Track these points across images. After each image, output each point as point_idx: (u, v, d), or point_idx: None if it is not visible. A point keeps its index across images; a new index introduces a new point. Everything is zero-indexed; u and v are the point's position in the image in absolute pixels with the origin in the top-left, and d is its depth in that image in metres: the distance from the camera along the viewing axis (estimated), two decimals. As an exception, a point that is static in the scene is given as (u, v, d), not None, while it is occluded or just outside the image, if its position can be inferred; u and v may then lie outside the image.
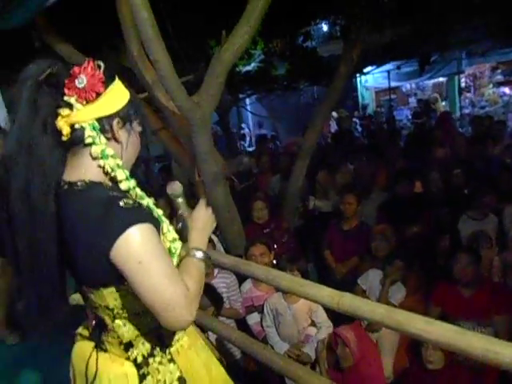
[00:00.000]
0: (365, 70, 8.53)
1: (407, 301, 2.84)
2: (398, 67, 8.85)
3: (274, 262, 2.86)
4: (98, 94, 0.96)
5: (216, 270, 2.78)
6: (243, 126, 13.06)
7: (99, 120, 0.97)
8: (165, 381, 1.07)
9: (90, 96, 0.95)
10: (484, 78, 10.45)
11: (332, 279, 3.37)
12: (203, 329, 2.01)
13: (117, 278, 0.93)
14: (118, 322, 1.06)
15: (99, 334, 1.11)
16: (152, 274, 0.89)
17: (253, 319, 2.82)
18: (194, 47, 4.78)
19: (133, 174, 1.06)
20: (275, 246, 3.05)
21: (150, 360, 1.08)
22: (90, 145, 0.96)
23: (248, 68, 7.36)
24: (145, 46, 2.23)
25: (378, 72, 9.76)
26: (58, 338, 2.61)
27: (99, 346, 1.12)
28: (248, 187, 4.51)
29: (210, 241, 1.14)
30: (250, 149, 10.75)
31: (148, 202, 1.06)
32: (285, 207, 4.06)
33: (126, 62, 3.24)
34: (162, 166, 5.43)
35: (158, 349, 1.09)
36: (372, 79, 10.60)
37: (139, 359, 1.08)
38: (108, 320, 1.06)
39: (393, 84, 10.18)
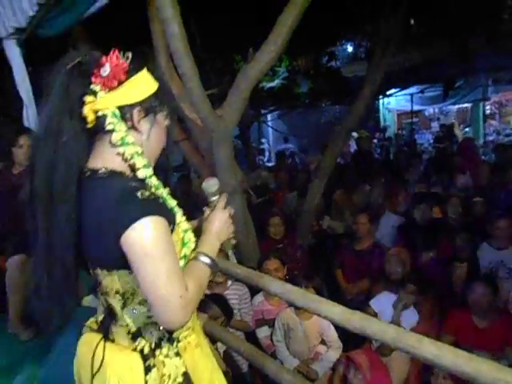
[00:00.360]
0: (388, 92, 8.54)
1: (420, 326, 2.78)
2: (422, 91, 8.83)
3: (286, 277, 2.87)
4: (120, 82, 0.98)
5: (229, 282, 2.80)
6: (263, 141, 13.17)
7: (121, 108, 0.99)
8: (170, 375, 1.05)
9: (112, 84, 0.97)
10: (510, 105, 10.32)
11: (342, 299, 3.33)
12: (213, 339, 2.02)
13: (128, 263, 0.94)
14: (126, 309, 1.05)
15: (108, 324, 1.10)
16: (154, 267, 0.90)
17: (263, 333, 2.81)
18: (221, 60, 4.90)
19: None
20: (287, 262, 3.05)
21: (157, 352, 1.06)
22: (110, 132, 0.98)
23: (272, 84, 7.48)
24: (174, 58, 2.31)
25: (401, 95, 9.75)
26: (71, 337, 2.68)
27: (107, 337, 1.10)
28: (264, 202, 4.54)
29: (221, 250, 1.11)
30: (269, 164, 10.81)
31: (163, 192, 1.06)
32: (300, 224, 4.07)
33: (153, 71, 3.34)
34: (181, 176, 5.52)
35: (165, 340, 1.07)
36: (395, 101, 10.59)
37: (146, 350, 1.05)
38: (117, 307, 1.05)
39: (415, 107, 10.14)
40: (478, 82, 8.45)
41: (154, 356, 1.05)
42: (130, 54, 1.00)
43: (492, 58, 5.67)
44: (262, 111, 9.12)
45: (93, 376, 1.07)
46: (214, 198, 1.19)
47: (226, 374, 1.33)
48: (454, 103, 9.67)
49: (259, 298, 2.89)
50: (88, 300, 3.16)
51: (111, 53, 0.98)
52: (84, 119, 0.98)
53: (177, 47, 2.16)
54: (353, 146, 10.22)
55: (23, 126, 3.76)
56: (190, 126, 3.04)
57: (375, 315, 2.98)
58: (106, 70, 0.96)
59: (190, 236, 1.12)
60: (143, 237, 0.89)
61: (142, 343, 1.06)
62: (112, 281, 1.01)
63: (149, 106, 1.02)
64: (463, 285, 2.92)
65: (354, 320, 1.11)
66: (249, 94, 2.53)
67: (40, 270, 1.01)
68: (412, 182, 4.92)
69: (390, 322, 2.85)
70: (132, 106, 1.00)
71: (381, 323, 1.06)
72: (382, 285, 3.20)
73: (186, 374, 1.08)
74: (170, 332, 1.07)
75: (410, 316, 2.81)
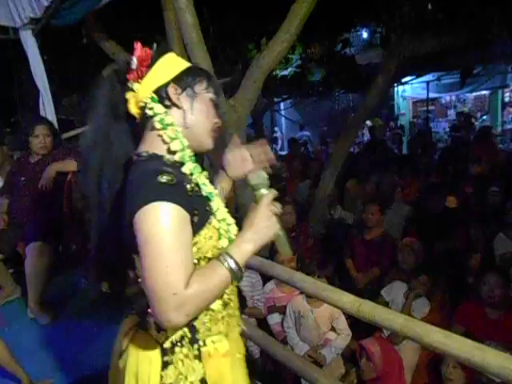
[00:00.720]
0: (403, 80, 8.39)
1: (431, 317, 2.79)
2: (438, 78, 8.64)
3: (298, 265, 2.90)
4: (148, 68, 1.00)
5: (242, 269, 2.84)
6: (276, 129, 13.12)
7: (156, 91, 1.00)
8: (186, 377, 1.00)
9: (141, 72, 1.00)
10: (529, 93, 10.04)
11: (353, 288, 3.35)
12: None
13: None
14: None
15: (145, 311, 1.05)
16: (152, 256, 0.85)
17: (274, 319, 2.86)
18: (233, 50, 4.88)
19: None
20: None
21: (177, 349, 1.01)
22: (151, 117, 1.00)
23: (285, 72, 7.41)
24: (187, 48, 2.31)
25: (416, 82, 9.57)
26: (87, 321, 2.76)
27: (142, 322, 1.08)
28: (277, 191, 4.55)
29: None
30: (282, 152, 10.78)
31: (198, 177, 1.02)
32: (312, 213, 4.07)
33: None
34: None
35: (186, 340, 1.01)
36: (410, 89, 10.39)
37: (167, 344, 1.01)
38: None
39: (431, 95, 9.93)
40: (497, 68, 8.22)
41: (173, 353, 1.01)
42: (155, 44, 1.03)
43: (511, 44, 5.50)
44: (275, 99, 9.06)
45: (119, 357, 1.09)
46: (262, 192, 1.05)
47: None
48: (472, 91, 9.44)
49: (271, 285, 2.93)
50: (106, 286, 3.25)
51: (135, 45, 1.01)
52: (131, 117, 1.02)
53: (190, 37, 2.17)
54: (366, 135, 10.13)
55: (39, 116, 3.84)
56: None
57: (386, 304, 3.00)
58: (133, 63, 0.99)
59: (229, 228, 1.03)
60: (148, 221, 0.85)
61: (164, 337, 1.02)
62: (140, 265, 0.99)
63: (182, 81, 1.02)
64: (476, 275, 2.90)
65: (364, 309, 1.13)
66: (261, 84, 2.53)
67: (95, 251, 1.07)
68: (426, 172, 4.86)
69: (400, 311, 2.87)
70: (165, 84, 1.00)
71: (390, 312, 1.08)
72: (394, 274, 3.21)
73: (203, 381, 1.01)
74: (193, 334, 1.01)
75: (422, 306, 2.82)
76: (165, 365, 1.00)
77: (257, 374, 2.31)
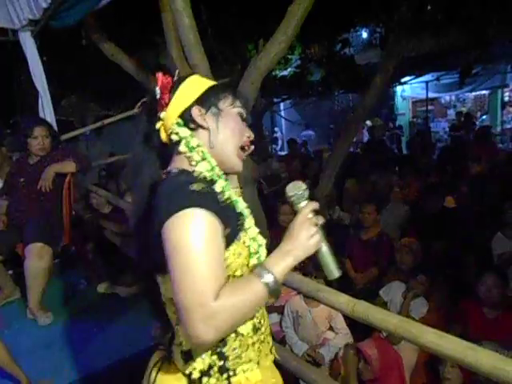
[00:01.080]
0: (402, 80, 8.40)
1: (429, 316, 2.80)
2: (438, 78, 8.65)
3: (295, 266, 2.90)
4: (171, 95, 1.00)
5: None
6: (276, 129, 13.13)
7: (181, 116, 1.00)
8: None
9: (165, 100, 1.00)
10: (529, 92, 10.04)
11: (351, 288, 3.36)
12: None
13: None
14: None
15: (171, 342, 1.03)
16: (180, 264, 0.80)
17: (272, 319, 2.87)
18: (232, 50, 4.89)
19: None
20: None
21: (204, 379, 0.95)
22: (178, 142, 0.99)
23: (284, 73, 7.42)
24: (185, 50, 2.32)
25: (416, 82, 9.58)
26: (86, 322, 2.77)
27: (168, 355, 1.04)
28: (276, 191, 4.57)
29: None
30: (282, 152, 10.80)
31: (231, 194, 0.96)
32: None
33: (164, 61, 3.36)
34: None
35: (215, 369, 0.95)
36: (410, 89, 10.41)
37: (195, 374, 0.95)
38: (173, 321, 0.99)
39: (431, 95, 9.95)
40: (496, 68, 8.24)
41: (200, 383, 0.95)
42: (176, 72, 1.05)
43: (510, 44, 5.52)
44: (275, 100, 9.07)
45: None
46: (302, 205, 0.98)
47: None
48: (472, 90, 9.45)
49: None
50: (103, 287, 3.28)
51: (157, 76, 1.02)
52: (161, 146, 1.04)
53: (187, 39, 2.17)
54: (366, 135, 10.13)
55: (38, 117, 3.85)
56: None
57: (385, 304, 3.01)
58: (157, 93, 1.01)
59: (261, 250, 0.99)
60: (179, 228, 0.81)
61: (191, 367, 0.96)
62: (166, 289, 0.94)
63: (206, 101, 1.01)
64: (474, 275, 2.91)
65: (358, 309, 1.14)
66: (259, 85, 2.53)
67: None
68: (425, 171, 4.87)
69: (399, 311, 2.88)
70: (189, 107, 1.00)
71: (384, 312, 1.08)
72: (392, 274, 3.21)
73: None
74: (223, 363, 0.95)
75: (420, 306, 2.83)
76: None
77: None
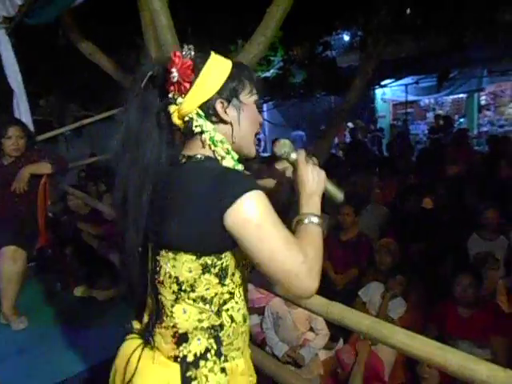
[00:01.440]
0: (382, 83, 8.53)
1: (407, 316, 2.84)
2: (417, 82, 8.80)
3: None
4: (192, 83, 0.96)
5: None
6: (258, 131, 13.10)
7: (202, 106, 0.97)
8: None
9: (184, 87, 0.96)
10: (505, 96, 10.31)
11: (331, 289, 3.38)
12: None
13: (215, 243, 0.92)
14: (178, 306, 0.97)
15: (153, 325, 1.03)
16: (269, 239, 0.87)
17: (252, 321, 2.86)
18: (212, 51, 4.86)
19: None
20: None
21: (201, 363, 0.96)
22: (199, 133, 0.98)
23: (266, 74, 7.43)
24: (163, 50, 2.30)
25: (395, 85, 9.74)
26: (62, 327, 2.72)
27: (148, 341, 1.04)
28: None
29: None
30: (265, 154, 10.80)
31: None
32: (291, 216, 4.09)
33: (145, 61, 3.32)
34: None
35: (212, 352, 0.98)
36: (390, 92, 10.57)
37: (190, 358, 0.97)
38: (169, 301, 0.99)
39: (411, 98, 10.13)
40: (473, 72, 8.43)
41: (197, 367, 0.96)
42: (191, 47, 0.97)
43: (487, 48, 5.66)
44: (257, 101, 9.06)
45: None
46: (292, 157, 1.10)
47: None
48: (449, 94, 9.64)
49: (249, 287, 2.93)
50: (80, 290, 3.22)
51: (173, 55, 0.97)
52: (168, 127, 1.01)
53: (165, 38, 2.16)
54: (348, 137, 10.24)
55: (13, 117, 3.76)
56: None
57: (364, 305, 3.04)
58: (174, 76, 0.95)
59: None
60: (253, 209, 0.87)
61: (186, 349, 0.97)
62: (174, 266, 0.95)
63: (228, 93, 0.99)
64: (451, 275, 2.96)
65: (333, 311, 1.14)
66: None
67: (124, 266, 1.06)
68: (403, 173, 4.95)
69: (377, 311, 2.91)
70: (211, 99, 0.97)
71: (357, 314, 1.09)
72: (371, 275, 3.25)
73: None
74: (219, 346, 0.98)
75: (398, 306, 2.87)
76: (187, 381, 0.96)
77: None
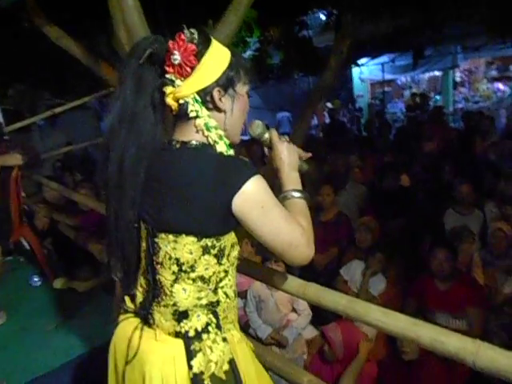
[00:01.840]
0: (359, 62, 8.50)
1: (387, 292, 2.90)
2: (393, 60, 8.82)
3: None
4: (193, 68, 0.97)
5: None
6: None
7: (200, 92, 0.99)
8: (216, 362, 1.00)
9: (186, 72, 0.97)
10: (479, 73, 10.45)
11: (314, 269, 3.42)
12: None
13: (218, 226, 0.97)
14: (178, 286, 1.01)
15: (150, 304, 1.06)
16: (273, 217, 0.95)
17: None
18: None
19: None
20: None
21: (204, 336, 1.02)
22: (194, 118, 1.00)
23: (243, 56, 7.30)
24: (130, 32, 2.22)
25: (372, 64, 9.73)
26: (41, 322, 2.68)
27: (146, 319, 1.07)
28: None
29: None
30: (245, 137, 10.70)
31: None
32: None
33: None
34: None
35: (213, 325, 1.04)
36: (367, 71, 10.57)
37: (191, 333, 1.02)
38: (168, 281, 1.02)
39: (388, 77, 10.15)
40: (447, 49, 8.49)
41: (200, 340, 1.02)
42: (194, 32, 0.97)
43: (460, 25, 5.68)
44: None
45: (126, 364, 1.05)
46: (266, 136, 1.17)
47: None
48: (425, 71, 9.72)
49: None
50: (59, 283, 3.16)
51: (177, 37, 0.96)
52: (166, 107, 1.02)
53: (131, 20, 2.07)
54: (328, 118, 10.24)
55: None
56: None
57: (345, 283, 3.09)
58: (176, 58, 0.96)
59: None
60: (258, 193, 0.94)
61: (187, 326, 1.02)
62: (175, 248, 0.99)
63: (225, 82, 1.01)
64: (428, 250, 3.03)
65: (310, 292, 1.15)
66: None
67: (113, 249, 1.08)
68: (382, 152, 4.99)
69: (358, 288, 2.96)
70: (209, 87, 0.99)
71: (334, 293, 1.10)
72: (352, 253, 3.30)
73: (232, 362, 1.04)
74: (217, 320, 1.05)
75: (378, 283, 2.92)
76: (192, 354, 1.00)
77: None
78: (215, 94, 1.00)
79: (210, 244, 0.98)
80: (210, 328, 1.03)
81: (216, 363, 1.00)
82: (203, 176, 0.94)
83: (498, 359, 0.78)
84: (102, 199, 3.00)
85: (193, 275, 1.00)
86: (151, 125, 1.00)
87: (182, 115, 1.01)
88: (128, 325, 1.09)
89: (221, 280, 1.04)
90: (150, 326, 1.06)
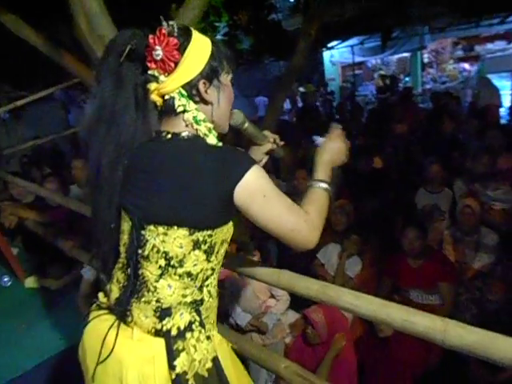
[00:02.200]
0: (329, 45, 8.50)
1: (363, 273, 2.96)
2: (362, 42, 8.85)
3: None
4: (177, 63, 0.95)
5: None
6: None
7: (185, 86, 0.98)
8: (200, 360, 0.98)
9: (169, 67, 0.95)
10: (446, 53, 10.63)
11: (291, 254, 3.44)
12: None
13: (212, 217, 0.96)
14: (163, 282, 0.99)
15: (128, 301, 1.02)
16: (275, 205, 0.97)
17: (214, 293, 2.87)
18: (152, 19, 4.60)
19: None
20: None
21: (188, 334, 0.99)
22: (182, 112, 0.99)
23: (212, 41, 7.16)
24: (90, 20, 2.12)
25: (343, 47, 9.76)
26: (13, 322, 2.60)
27: (122, 317, 1.03)
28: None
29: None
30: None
31: None
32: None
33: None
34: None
35: (196, 323, 1.01)
36: (338, 54, 10.59)
37: (174, 331, 0.98)
38: (153, 276, 0.99)
39: (358, 59, 10.21)
40: (414, 30, 8.57)
41: (183, 339, 0.98)
42: (173, 24, 0.95)
43: (427, 6, 5.73)
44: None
45: (96, 365, 1.00)
46: (246, 125, 1.21)
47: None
48: (393, 53, 9.81)
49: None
50: (30, 282, 3.07)
51: (157, 32, 0.93)
52: (150, 104, 1.00)
53: (90, 7, 1.99)
54: (300, 102, 10.22)
55: None
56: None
57: (322, 266, 3.13)
58: (158, 54, 0.94)
59: None
60: (259, 182, 0.95)
61: (169, 324, 0.99)
62: (164, 241, 0.97)
63: (210, 73, 1.00)
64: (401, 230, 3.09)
65: (282, 279, 1.14)
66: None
67: (97, 247, 1.09)
68: (354, 134, 5.03)
69: (335, 271, 3.01)
70: (194, 79, 0.98)
71: (306, 279, 1.10)
72: (328, 236, 3.33)
73: (215, 360, 1.02)
74: (200, 318, 1.03)
75: (354, 264, 2.98)
76: (175, 353, 0.96)
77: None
78: (201, 86, 0.99)
79: (201, 239, 0.96)
80: (193, 326, 1.01)
81: (200, 362, 0.98)
82: (199, 165, 0.93)
83: (466, 337, 0.80)
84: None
85: (180, 271, 0.98)
86: (132, 123, 0.99)
87: (168, 110, 1.00)
88: (101, 322, 1.05)
89: (207, 278, 1.02)
90: (126, 323, 1.01)
